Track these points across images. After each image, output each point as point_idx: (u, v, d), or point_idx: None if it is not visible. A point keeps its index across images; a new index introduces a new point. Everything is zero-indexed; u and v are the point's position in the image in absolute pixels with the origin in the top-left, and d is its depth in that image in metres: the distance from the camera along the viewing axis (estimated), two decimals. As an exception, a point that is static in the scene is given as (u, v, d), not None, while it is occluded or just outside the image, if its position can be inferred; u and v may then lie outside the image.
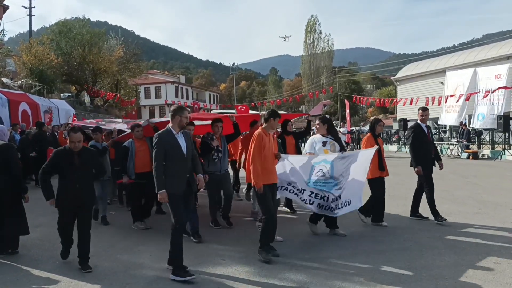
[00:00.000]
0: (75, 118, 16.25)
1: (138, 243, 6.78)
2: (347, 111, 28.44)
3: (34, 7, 38.53)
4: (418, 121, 7.95)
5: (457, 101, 23.41)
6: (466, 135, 22.54)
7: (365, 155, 7.02)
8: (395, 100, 29.62)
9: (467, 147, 22.37)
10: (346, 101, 30.45)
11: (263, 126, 6.12)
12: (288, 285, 4.96)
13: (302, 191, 6.65)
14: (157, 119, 8.14)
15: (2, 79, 23.46)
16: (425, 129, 7.84)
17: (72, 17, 41.47)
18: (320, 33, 70.67)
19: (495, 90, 21.63)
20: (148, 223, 7.75)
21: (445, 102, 24.41)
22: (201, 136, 8.25)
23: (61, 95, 33.43)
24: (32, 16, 39.35)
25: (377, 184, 7.48)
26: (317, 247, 6.40)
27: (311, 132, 9.40)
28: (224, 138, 7.90)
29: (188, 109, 5.99)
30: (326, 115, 10.36)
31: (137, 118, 43.83)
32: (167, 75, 76.10)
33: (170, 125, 5.40)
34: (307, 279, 5.08)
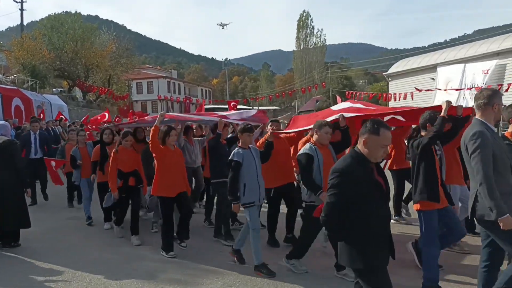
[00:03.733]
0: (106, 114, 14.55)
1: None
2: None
3: (26, 1, 38.14)
4: None
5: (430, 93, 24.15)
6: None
7: None
8: (388, 95, 29.82)
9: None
10: (338, 97, 30.68)
11: None
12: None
13: None
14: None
15: (-5, 74, 23.44)
16: None
17: (63, 11, 41.35)
18: (313, 28, 70.66)
19: (477, 88, 22.23)
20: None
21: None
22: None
23: (53, 90, 33.34)
24: (24, 11, 38.98)
25: None
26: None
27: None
28: None
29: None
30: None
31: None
32: (159, 70, 75.88)
33: (482, 118, 3.69)
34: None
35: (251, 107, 63.79)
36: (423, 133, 4.73)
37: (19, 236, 6.46)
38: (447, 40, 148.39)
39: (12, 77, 25.40)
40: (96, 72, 35.58)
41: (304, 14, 71.36)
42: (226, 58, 68.33)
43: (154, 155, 6.07)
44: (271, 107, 68.49)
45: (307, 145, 5.18)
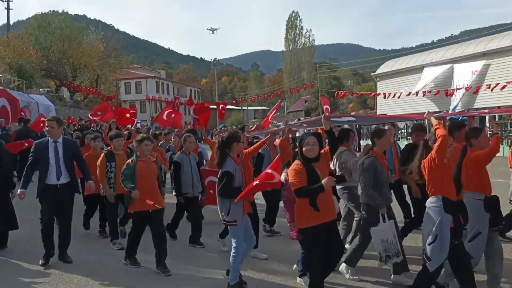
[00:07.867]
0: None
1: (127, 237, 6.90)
2: (325, 107, 28.55)
3: (12, 0, 37.77)
4: None
5: (420, 95, 24.46)
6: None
7: None
8: (375, 95, 29.99)
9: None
10: (321, 98, 30.65)
11: None
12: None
13: None
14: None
15: (-20, 74, 23.16)
16: None
17: (50, 11, 41.10)
18: (301, 28, 70.78)
19: (455, 90, 22.73)
20: None
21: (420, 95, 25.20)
22: None
23: (40, 90, 33.06)
24: (10, 10, 38.59)
25: None
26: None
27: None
28: None
29: None
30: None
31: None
32: (147, 70, 75.49)
33: None
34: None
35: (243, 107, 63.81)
36: None
37: (7, 238, 6.38)
38: (434, 40, 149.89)
39: (-2, 77, 25.15)
40: (84, 72, 35.44)
41: (293, 14, 71.47)
42: (215, 58, 67.87)
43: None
44: (260, 107, 68.60)
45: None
